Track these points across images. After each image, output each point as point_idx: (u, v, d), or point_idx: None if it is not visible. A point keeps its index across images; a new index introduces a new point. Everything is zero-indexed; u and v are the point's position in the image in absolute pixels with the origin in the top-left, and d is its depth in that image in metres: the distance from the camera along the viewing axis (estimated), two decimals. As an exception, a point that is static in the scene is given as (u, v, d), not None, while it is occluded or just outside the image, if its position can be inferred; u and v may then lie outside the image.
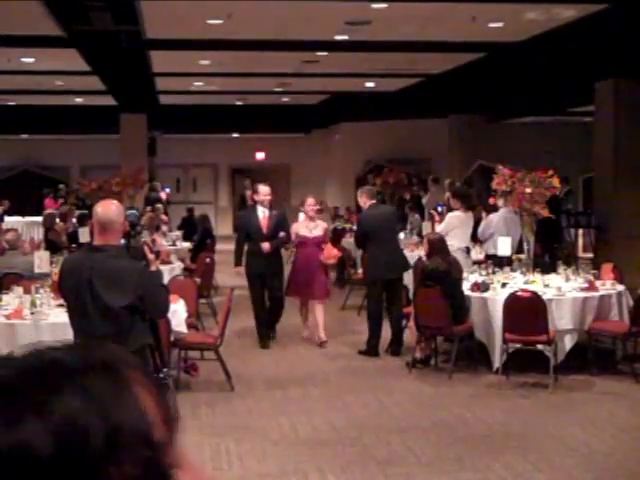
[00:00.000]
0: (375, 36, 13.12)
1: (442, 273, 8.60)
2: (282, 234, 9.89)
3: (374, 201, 10.11)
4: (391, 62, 15.73)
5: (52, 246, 12.40)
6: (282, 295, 10.16)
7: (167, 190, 23.23)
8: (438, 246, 8.87)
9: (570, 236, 16.00)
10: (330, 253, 10.13)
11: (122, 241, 5.56)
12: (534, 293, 8.35)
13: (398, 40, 13.43)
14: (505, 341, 8.37)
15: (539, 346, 8.37)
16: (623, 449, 6.47)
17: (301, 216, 21.92)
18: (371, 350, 9.61)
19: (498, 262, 9.84)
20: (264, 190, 10.02)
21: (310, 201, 10.31)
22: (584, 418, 7.22)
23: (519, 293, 8.38)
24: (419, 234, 13.39)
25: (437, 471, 5.97)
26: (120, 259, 4.99)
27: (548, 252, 12.38)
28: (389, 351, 9.63)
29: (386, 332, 9.69)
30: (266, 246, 9.76)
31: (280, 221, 10.00)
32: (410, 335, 9.31)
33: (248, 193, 23.38)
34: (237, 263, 10.27)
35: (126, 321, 4.86)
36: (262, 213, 9.93)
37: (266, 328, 10.18)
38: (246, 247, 10.21)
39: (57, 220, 14.97)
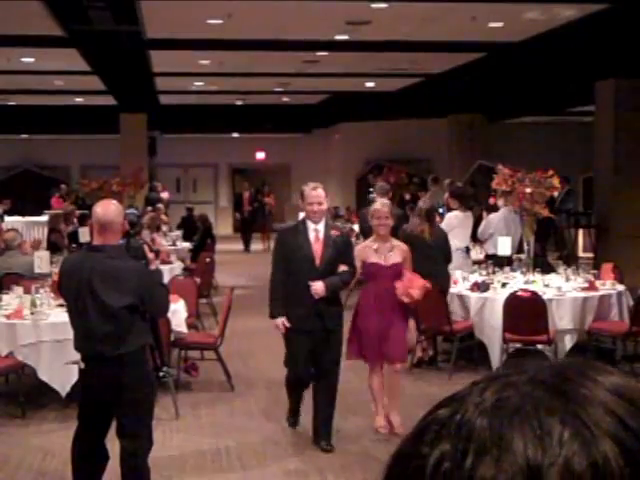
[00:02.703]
0: (375, 36, 13.11)
1: (420, 238, 8.66)
2: (343, 268, 6.46)
3: (381, 201, 10.05)
4: (391, 62, 15.72)
5: (53, 246, 12.41)
6: (337, 367, 6.58)
7: (165, 195, 23.20)
8: (426, 214, 8.96)
9: (570, 236, 16.00)
10: (413, 283, 6.74)
11: (121, 241, 5.57)
12: (534, 293, 8.35)
13: (398, 40, 13.43)
14: (505, 341, 8.37)
15: (539, 346, 8.37)
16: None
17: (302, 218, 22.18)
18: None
19: (498, 262, 9.84)
20: (314, 195, 6.42)
21: (380, 209, 6.89)
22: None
23: (519, 293, 8.38)
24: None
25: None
26: (120, 259, 5.00)
27: (544, 252, 12.38)
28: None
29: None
30: (318, 288, 6.28)
31: (342, 247, 6.49)
32: (409, 335, 9.30)
33: (246, 195, 23.00)
34: (274, 312, 6.47)
35: (126, 321, 4.86)
36: (314, 233, 6.42)
37: (296, 409, 6.96)
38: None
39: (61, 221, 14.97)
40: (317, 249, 6.42)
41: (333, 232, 6.54)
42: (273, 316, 6.48)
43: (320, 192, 6.43)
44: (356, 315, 6.92)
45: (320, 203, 6.41)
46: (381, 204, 7.07)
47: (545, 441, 0.62)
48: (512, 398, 0.66)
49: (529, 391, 0.66)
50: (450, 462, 0.63)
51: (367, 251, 6.88)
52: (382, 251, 6.80)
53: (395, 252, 6.86)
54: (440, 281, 8.49)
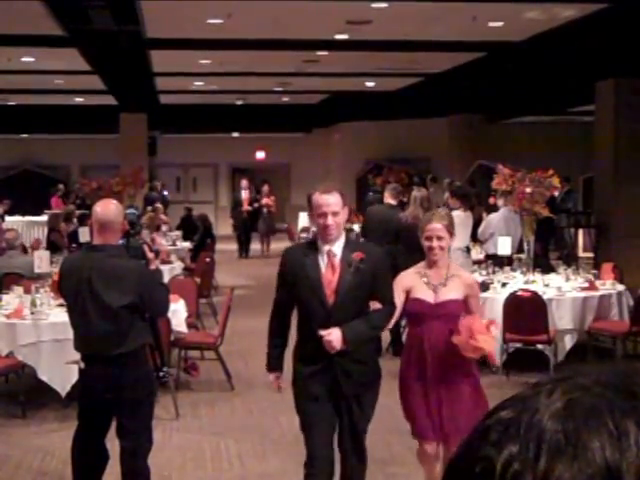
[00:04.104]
0: (375, 35, 13.11)
1: (413, 227, 8.69)
2: (376, 306, 4.66)
3: (391, 201, 10.02)
4: (391, 62, 15.72)
5: (53, 246, 12.41)
6: (364, 446, 4.84)
7: (165, 192, 23.19)
8: (420, 201, 8.98)
9: (570, 236, 16.00)
10: (474, 328, 4.74)
11: (121, 241, 5.57)
12: (534, 293, 8.35)
13: (398, 40, 13.43)
14: (505, 341, 8.37)
15: (539, 346, 8.37)
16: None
17: (302, 217, 21.75)
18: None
19: (498, 262, 9.84)
20: (325, 201, 4.56)
21: (433, 226, 4.97)
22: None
23: (519, 293, 8.38)
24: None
25: (437, 471, 5.95)
26: (120, 258, 5.00)
27: (545, 252, 12.40)
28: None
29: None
30: (333, 339, 4.47)
31: (370, 275, 4.60)
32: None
33: (244, 195, 21.06)
34: (271, 364, 4.89)
35: (126, 320, 4.86)
36: (326, 256, 4.61)
37: None
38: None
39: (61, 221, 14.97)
40: (330, 279, 4.55)
41: (355, 255, 4.55)
42: (270, 367, 4.85)
43: (334, 198, 4.52)
44: (402, 379, 5.07)
45: (335, 213, 4.51)
46: (438, 217, 5.00)
47: (622, 442, 0.62)
48: (583, 400, 0.65)
49: (600, 392, 0.66)
50: (520, 463, 0.63)
51: (411, 280, 4.98)
52: (433, 282, 4.95)
53: (452, 285, 4.93)
54: None
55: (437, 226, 4.93)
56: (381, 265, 4.72)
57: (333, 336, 4.45)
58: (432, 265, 5.01)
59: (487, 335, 4.73)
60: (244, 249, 20.58)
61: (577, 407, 0.65)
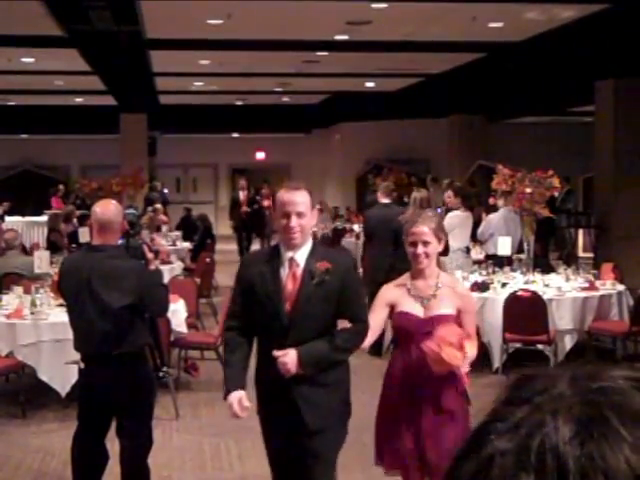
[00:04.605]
0: (375, 36, 13.12)
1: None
2: (343, 325, 4.02)
3: (385, 200, 10.01)
4: (391, 62, 15.72)
5: (53, 246, 12.41)
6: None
7: (165, 190, 23.19)
8: (420, 202, 8.98)
9: (570, 236, 16.01)
10: (446, 338, 4.05)
11: (120, 241, 5.57)
12: (534, 293, 8.35)
13: (398, 40, 13.43)
14: (505, 341, 8.37)
15: (539, 346, 8.37)
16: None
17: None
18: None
19: (498, 262, 9.84)
20: (290, 200, 3.96)
21: (418, 229, 4.32)
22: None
23: (519, 293, 8.38)
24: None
25: (437, 471, 5.95)
26: (119, 259, 5.00)
27: (545, 252, 12.41)
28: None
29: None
30: (288, 362, 3.88)
31: (337, 287, 3.98)
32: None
33: (242, 195, 20.32)
34: (227, 387, 4.03)
35: (126, 321, 4.86)
36: (288, 264, 4.02)
37: None
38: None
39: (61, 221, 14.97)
40: (290, 291, 3.95)
41: (319, 265, 3.92)
42: (227, 391, 4.00)
43: (300, 197, 3.93)
44: (381, 407, 4.48)
45: (300, 214, 3.91)
46: (422, 219, 4.34)
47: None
48: (582, 412, 0.65)
49: (591, 400, 0.66)
50: None
51: (395, 294, 4.36)
52: (420, 294, 4.30)
53: (443, 297, 4.27)
54: None
55: (423, 229, 4.27)
56: (351, 277, 4.05)
57: (288, 357, 3.84)
58: (418, 275, 4.33)
59: (459, 351, 3.99)
60: (244, 250, 19.79)
61: (586, 425, 0.64)
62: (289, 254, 3.99)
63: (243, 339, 4.12)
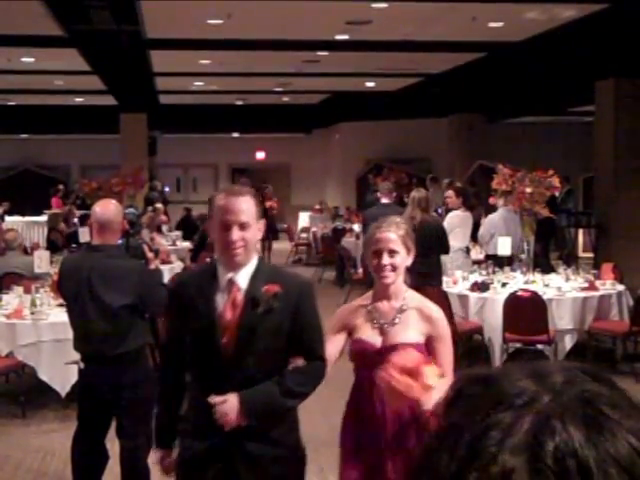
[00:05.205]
0: (375, 36, 13.11)
1: (413, 229, 8.66)
2: (296, 362, 3.33)
3: (385, 200, 10.03)
4: (391, 62, 15.72)
5: (53, 246, 12.42)
6: None
7: (166, 189, 23.19)
8: (418, 201, 8.94)
9: (570, 236, 16.01)
10: (407, 368, 3.11)
11: (120, 241, 5.57)
12: (534, 293, 8.35)
13: (398, 40, 13.43)
14: (505, 341, 8.37)
15: (539, 346, 8.37)
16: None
17: (302, 217, 21.71)
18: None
19: (498, 262, 9.84)
20: (230, 208, 3.21)
21: (383, 235, 3.61)
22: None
23: (519, 293, 8.37)
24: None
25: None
26: (119, 258, 5.00)
27: (546, 252, 12.41)
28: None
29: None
30: (228, 411, 3.14)
31: (287, 315, 3.25)
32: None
33: None
34: (158, 439, 3.55)
35: (126, 320, 4.86)
36: (226, 286, 3.26)
37: None
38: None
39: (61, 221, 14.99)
40: (229, 321, 3.22)
41: (266, 289, 3.21)
42: (158, 441, 3.55)
43: (245, 203, 3.22)
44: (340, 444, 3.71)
45: (244, 225, 3.19)
46: (389, 224, 3.62)
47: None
48: (579, 412, 0.67)
49: (583, 395, 0.68)
50: None
51: (354, 316, 3.63)
52: (381, 319, 3.56)
53: (407, 321, 3.53)
54: (430, 274, 8.49)
55: (390, 236, 3.52)
56: (306, 304, 3.28)
57: (228, 405, 3.12)
58: (382, 294, 3.58)
59: (416, 379, 3.05)
60: None
61: (595, 426, 0.66)
62: (228, 275, 3.24)
63: (179, 384, 3.44)
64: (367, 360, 3.46)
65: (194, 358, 3.32)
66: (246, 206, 3.20)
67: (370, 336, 3.53)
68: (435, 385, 3.07)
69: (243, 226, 3.18)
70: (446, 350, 3.50)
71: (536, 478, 0.63)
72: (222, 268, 3.26)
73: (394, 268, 3.52)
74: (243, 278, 3.24)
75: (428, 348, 3.46)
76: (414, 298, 3.60)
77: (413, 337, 3.46)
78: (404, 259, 3.55)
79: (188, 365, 3.37)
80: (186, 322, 3.28)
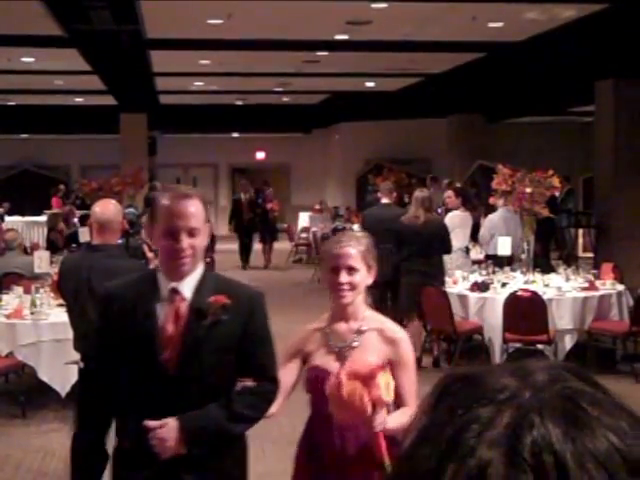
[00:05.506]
0: (375, 36, 13.11)
1: (411, 227, 8.63)
2: (245, 384, 2.93)
3: (385, 200, 10.04)
4: (391, 62, 15.73)
5: (53, 246, 12.42)
6: None
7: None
8: (421, 201, 8.95)
9: (570, 236, 16.01)
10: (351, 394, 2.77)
11: (120, 240, 5.56)
12: (534, 293, 8.35)
13: (398, 40, 13.43)
14: (505, 341, 8.37)
15: (539, 346, 8.37)
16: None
17: (302, 218, 21.75)
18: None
19: (498, 262, 9.84)
20: (179, 209, 2.87)
21: (341, 250, 3.21)
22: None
23: (519, 293, 8.37)
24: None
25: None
26: (119, 258, 4.99)
27: (546, 252, 12.41)
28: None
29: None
30: (166, 438, 2.81)
31: (237, 330, 2.92)
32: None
33: (243, 198, 18.95)
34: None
35: (126, 321, 4.85)
36: (168, 297, 2.93)
37: None
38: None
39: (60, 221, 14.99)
40: (171, 335, 2.89)
41: (214, 299, 2.91)
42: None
43: (193, 206, 2.92)
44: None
45: (192, 231, 2.88)
46: (348, 238, 3.28)
47: (617, 429, 0.66)
48: (559, 408, 0.67)
49: (567, 393, 0.69)
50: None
51: (309, 339, 3.32)
52: (338, 342, 3.24)
53: (366, 345, 3.20)
54: (432, 274, 8.50)
55: (350, 251, 3.17)
56: (257, 317, 2.98)
57: (166, 431, 2.80)
58: (339, 315, 3.25)
59: (366, 389, 2.75)
60: (245, 259, 18.44)
61: (570, 419, 0.66)
62: (171, 284, 2.90)
63: (108, 414, 3.07)
64: (321, 390, 2.96)
65: (129, 376, 2.92)
66: (195, 210, 2.89)
67: (326, 362, 3.18)
68: (389, 401, 2.84)
69: (192, 232, 2.86)
70: (409, 378, 3.17)
71: (512, 471, 0.63)
72: (163, 277, 2.94)
73: (352, 287, 3.17)
74: (187, 287, 2.91)
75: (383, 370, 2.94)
76: (374, 319, 3.27)
77: (373, 362, 2.98)
78: (364, 277, 3.21)
79: (120, 386, 2.95)
80: (121, 337, 2.90)
